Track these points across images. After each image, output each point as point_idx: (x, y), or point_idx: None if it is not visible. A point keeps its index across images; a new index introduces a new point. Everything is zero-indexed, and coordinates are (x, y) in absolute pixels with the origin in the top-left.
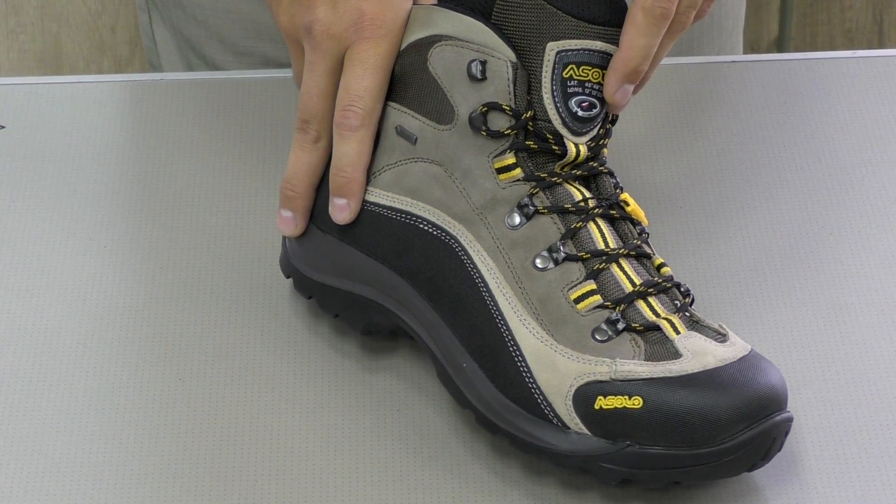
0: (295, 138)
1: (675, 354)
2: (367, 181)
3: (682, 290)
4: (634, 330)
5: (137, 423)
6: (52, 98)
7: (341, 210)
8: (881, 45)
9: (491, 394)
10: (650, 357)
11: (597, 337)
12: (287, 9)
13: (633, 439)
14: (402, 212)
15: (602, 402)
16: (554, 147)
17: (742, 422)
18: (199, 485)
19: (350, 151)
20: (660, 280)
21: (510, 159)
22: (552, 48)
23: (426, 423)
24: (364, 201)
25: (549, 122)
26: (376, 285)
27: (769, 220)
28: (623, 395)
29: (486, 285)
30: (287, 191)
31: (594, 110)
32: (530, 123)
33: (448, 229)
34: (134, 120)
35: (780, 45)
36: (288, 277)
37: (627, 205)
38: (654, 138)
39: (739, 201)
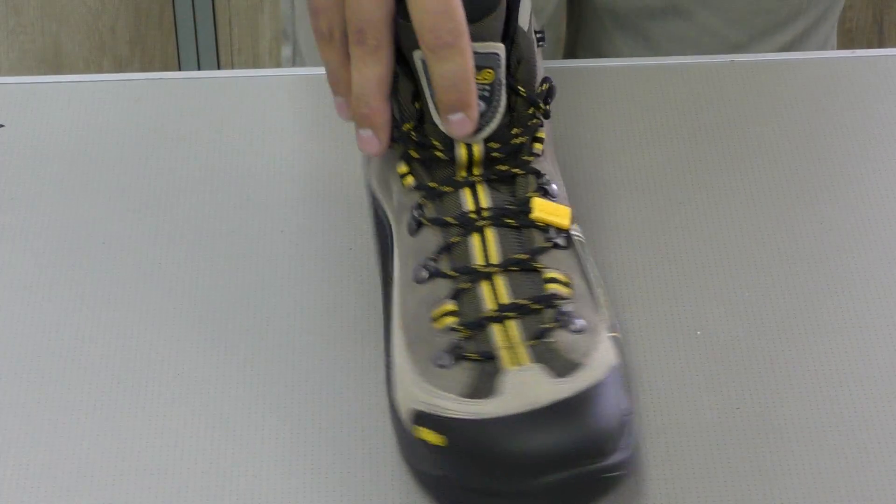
0: (353, 53)
1: (495, 392)
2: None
3: (562, 311)
4: (469, 359)
5: (135, 420)
6: (52, 98)
7: (367, 142)
8: (881, 45)
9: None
10: (473, 393)
11: (439, 363)
12: None
13: (445, 470)
14: (374, 197)
15: (419, 432)
16: (438, 153)
17: (539, 471)
18: (199, 481)
19: (371, 75)
20: (527, 301)
21: (404, 167)
22: (418, 55)
23: None
24: None
25: (437, 125)
26: None
27: (769, 218)
28: (433, 431)
29: (395, 287)
30: (360, 109)
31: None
32: (412, 133)
33: (387, 223)
34: (134, 120)
35: None
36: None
37: (531, 211)
38: (653, 137)
39: (739, 199)
